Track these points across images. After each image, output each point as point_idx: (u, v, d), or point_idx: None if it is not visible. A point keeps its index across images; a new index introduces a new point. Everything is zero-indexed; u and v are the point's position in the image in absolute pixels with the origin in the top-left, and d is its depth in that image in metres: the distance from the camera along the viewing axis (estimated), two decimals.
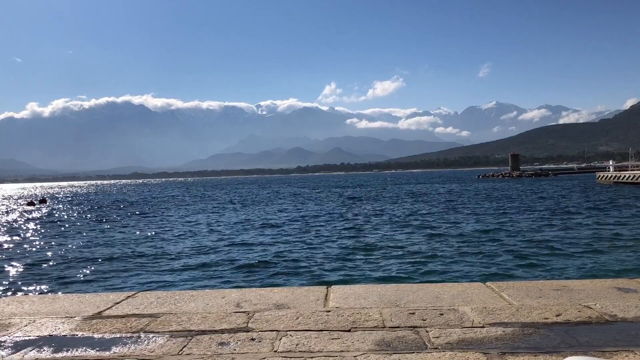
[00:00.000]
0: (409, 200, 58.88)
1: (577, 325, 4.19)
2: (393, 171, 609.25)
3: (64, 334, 4.40)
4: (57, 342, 4.17)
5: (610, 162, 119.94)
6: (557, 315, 4.44)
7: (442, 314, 4.59)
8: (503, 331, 4.10)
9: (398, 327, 4.29)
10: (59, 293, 15.07)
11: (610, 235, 24.26)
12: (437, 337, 4.02)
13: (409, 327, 4.28)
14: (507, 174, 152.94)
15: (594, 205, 42.12)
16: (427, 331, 4.16)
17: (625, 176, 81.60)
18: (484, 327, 4.23)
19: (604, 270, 16.42)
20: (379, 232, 28.12)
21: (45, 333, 4.41)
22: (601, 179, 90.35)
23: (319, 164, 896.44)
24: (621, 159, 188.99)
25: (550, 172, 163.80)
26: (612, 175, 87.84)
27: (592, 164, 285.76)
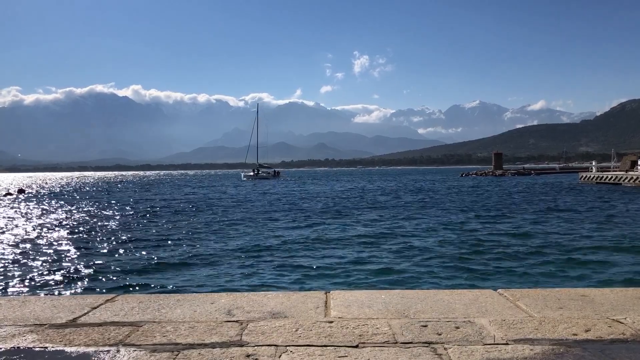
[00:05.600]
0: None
1: (612, 344, 3.75)
2: (377, 167, 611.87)
3: (30, 346, 3.83)
4: (23, 357, 3.62)
5: (593, 163, 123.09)
6: (587, 331, 4.00)
7: (457, 327, 4.12)
8: (531, 349, 3.65)
9: (411, 342, 3.81)
10: (31, 295, 14.32)
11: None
12: (458, 357, 3.55)
13: (423, 343, 3.81)
14: (491, 173, 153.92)
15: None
16: (445, 348, 3.69)
17: (607, 177, 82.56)
18: (507, 344, 3.77)
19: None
20: None
21: (9, 345, 3.85)
22: (584, 179, 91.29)
23: (304, 159, 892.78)
24: (601, 160, 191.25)
25: (532, 172, 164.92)
26: (594, 176, 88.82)
27: (571, 164, 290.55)
